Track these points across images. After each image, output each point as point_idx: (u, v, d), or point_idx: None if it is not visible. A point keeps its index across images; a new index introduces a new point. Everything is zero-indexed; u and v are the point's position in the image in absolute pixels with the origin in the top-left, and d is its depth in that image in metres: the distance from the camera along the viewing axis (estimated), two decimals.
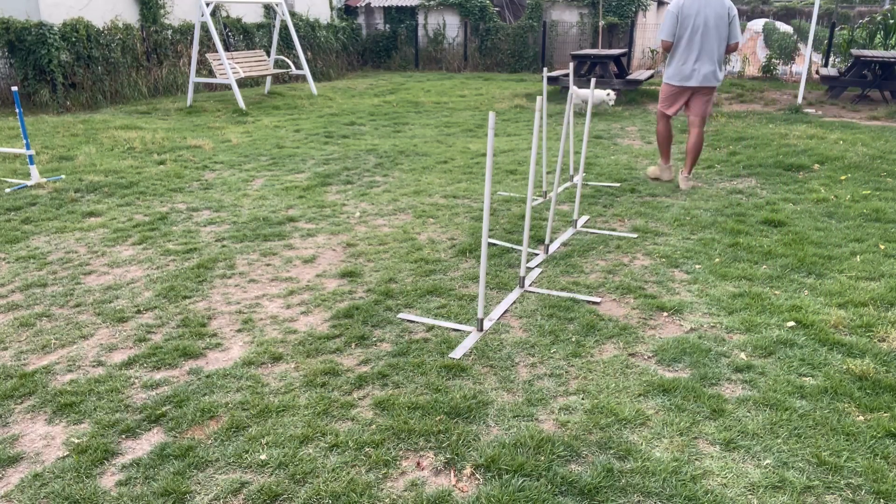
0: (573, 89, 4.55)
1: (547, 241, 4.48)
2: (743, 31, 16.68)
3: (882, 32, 13.70)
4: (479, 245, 4.60)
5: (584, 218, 5.25)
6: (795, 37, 14.44)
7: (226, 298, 3.87)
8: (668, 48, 5.92)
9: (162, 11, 13.19)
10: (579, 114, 8.52)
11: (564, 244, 4.70)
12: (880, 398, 2.80)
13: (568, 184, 6.21)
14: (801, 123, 9.12)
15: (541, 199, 5.76)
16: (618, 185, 6.18)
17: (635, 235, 4.83)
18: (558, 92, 12.08)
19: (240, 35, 14.51)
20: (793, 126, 8.90)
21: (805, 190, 5.91)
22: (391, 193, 6.01)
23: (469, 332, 3.42)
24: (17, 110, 6.38)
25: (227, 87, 12.15)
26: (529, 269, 4.19)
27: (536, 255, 4.48)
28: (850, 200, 5.53)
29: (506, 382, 2.98)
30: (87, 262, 4.43)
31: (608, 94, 8.42)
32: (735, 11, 5.74)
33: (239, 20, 14.56)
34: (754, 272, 4.13)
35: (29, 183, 6.21)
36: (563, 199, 5.76)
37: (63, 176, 6.52)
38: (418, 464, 2.46)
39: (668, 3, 21.83)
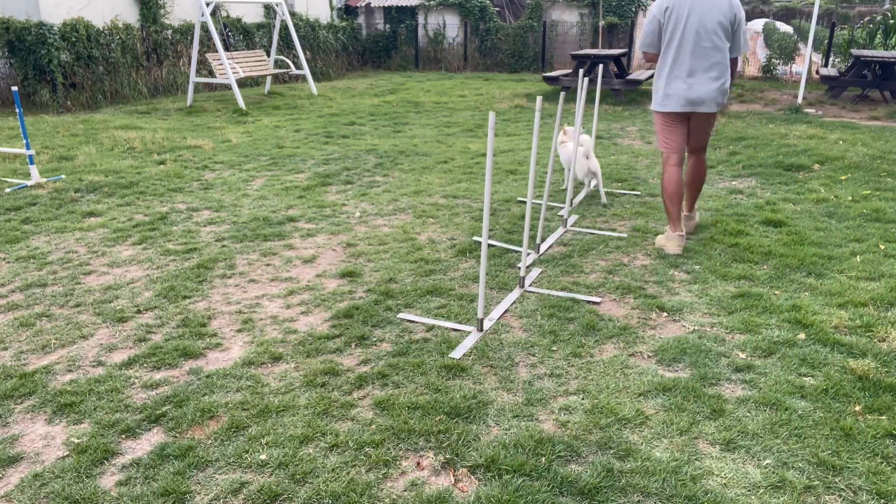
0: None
1: (538, 241, 4.49)
2: None
3: (882, 32, 13.70)
4: (478, 245, 4.60)
5: (574, 217, 5.25)
6: (795, 37, 14.43)
7: (226, 298, 3.87)
8: (653, 60, 4.53)
9: (162, 11, 13.18)
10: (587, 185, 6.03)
11: (564, 244, 4.70)
12: (880, 398, 2.80)
13: (585, 190, 5.99)
14: (801, 123, 9.11)
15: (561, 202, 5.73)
16: (637, 193, 6.00)
17: (625, 235, 4.83)
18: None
19: (240, 35, 14.50)
20: (793, 126, 8.90)
21: (805, 190, 5.90)
22: (391, 193, 6.01)
23: (469, 332, 3.42)
24: (17, 110, 6.38)
25: (227, 87, 12.14)
26: (529, 269, 4.19)
27: (535, 255, 4.48)
28: (850, 200, 5.53)
29: (506, 382, 2.98)
30: (87, 262, 4.43)
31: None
32: (742, 14, 4.32)
33: (239, 20, 14.56)
34: (754, 272, 4.13)
35: (29, 183, 6.21)
36: (561, 200, 5.76)
37: (63, 176, 6.52)
38: (418, 464, 2.46)
39: None
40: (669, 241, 4.46)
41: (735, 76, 4.47)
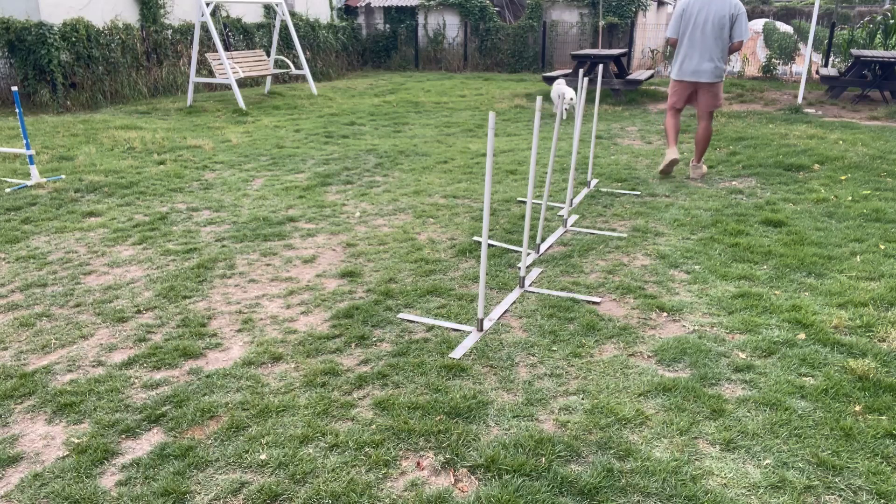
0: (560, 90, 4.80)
1: (538, 241, 4.49)
2: None
3: (882, 32, 13.70)
4: (478, 245, 4.60)
5: (575, 217, 5.25)
6: (795, 37, 14.44)
7: (226, 298, 3.87)
8: (674, 44, 6.40)
9: (162, 11, 13.18)
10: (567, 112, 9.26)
11: (564, 244, 4.70)
12: (880, 398, 2.80)
13: (585, 190, 6.03)
14: (801, 123, 9.12)
15: (562, 204, 5.73)
16: (637, 193, 6.03)
17: (625, 235, 4.83)
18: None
19: (240, 35, 14.51)
20: (793, 126, 8.90)
21: (805, 190, 5.91)
22: (391, 193, 6.01)
23: (469, 332, 3.42)
24: (17, 110, 6.38)
25: (227, 87, 12.15)
26: (529, 269, 4.19)
27: (535, 255, 4.48)
28: (850, 200, 5.53)
29: (506, 382, 2.98)
30: (87, 262, 4.43)
31: (571, 99, 9.03)
32: (740, 10, 5.98)
33: (239, 20, 14.56)
34: (754, 272, 4.13)
35: (29, 183, 6.21)
36: (562, 200, 5.76)
37: (63, 176, 6.52)
38: (418, 464, 2.46)
39: (668, 4, 21.88)
40: (667, 156, 6.42)
41: (732, 53, 6.25)
